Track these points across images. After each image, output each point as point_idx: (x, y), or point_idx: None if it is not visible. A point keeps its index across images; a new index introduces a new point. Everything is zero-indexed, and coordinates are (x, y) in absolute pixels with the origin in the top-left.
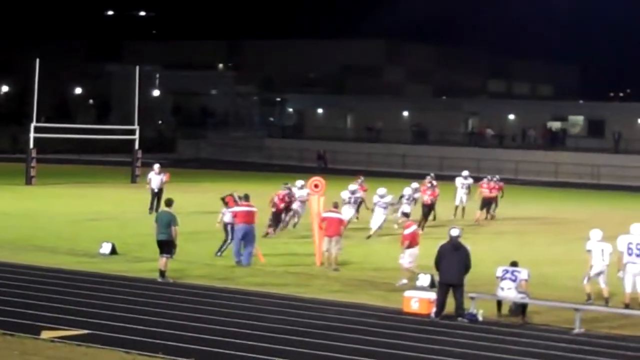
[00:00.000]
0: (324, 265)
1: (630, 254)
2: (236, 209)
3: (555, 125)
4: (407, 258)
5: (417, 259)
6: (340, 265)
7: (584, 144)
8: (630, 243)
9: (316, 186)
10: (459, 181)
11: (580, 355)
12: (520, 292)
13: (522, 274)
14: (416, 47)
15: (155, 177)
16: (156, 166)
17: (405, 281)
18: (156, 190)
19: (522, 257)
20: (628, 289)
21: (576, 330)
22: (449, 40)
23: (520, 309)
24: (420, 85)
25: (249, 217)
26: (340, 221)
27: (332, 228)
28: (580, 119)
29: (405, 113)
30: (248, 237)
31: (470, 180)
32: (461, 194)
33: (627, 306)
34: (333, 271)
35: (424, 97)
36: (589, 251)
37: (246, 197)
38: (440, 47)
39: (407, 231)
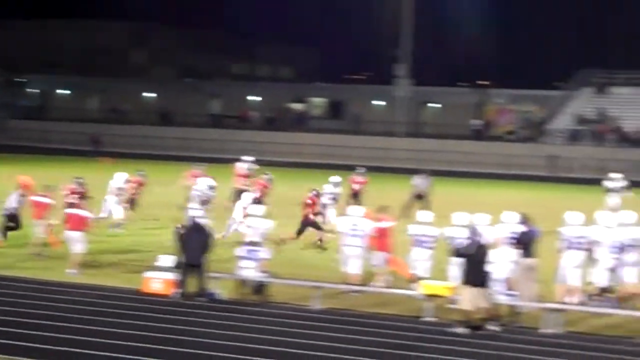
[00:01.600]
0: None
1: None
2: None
3: (297, 106)
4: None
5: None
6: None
7: (325, 125)
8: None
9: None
10: (239, 166)
11: (320, 332)
12: (261, 271)
13: (263, 253)
14: (159, 30)
15: None
16: None
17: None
18: None
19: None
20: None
21: (317, 307)
22: (192, 23)
23: (261, 287)
24: (165, 68)
25: None
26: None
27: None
28: (320, 100)
29: (150, 95)
30: None
31: (256, 166)
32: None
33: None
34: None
35: (168, 80)
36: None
37: None
38: (183, 30)
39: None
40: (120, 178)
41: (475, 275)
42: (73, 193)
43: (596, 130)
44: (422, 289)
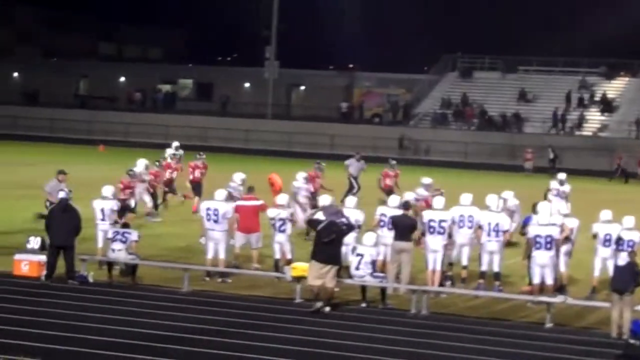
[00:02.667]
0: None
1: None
2: None
3: (166, 88)
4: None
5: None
6: None
7: (193, 106)
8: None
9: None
10: (169, 152)
11: (189, 314)
12: (130, 254)
13: (132, 235)
14: (24, 9)
15: None
16: None
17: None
18: None
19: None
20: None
21: (185, 289)
22: (58, 3)
23: (130, 269)
24: (30, 48)
25: None
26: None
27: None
28: (189, 82)
29: (15, 74)
30: None
31: (182, 152)
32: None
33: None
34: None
35: (34, 59)
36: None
37: None
38: (49, 10)
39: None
40: None
41: (330, 254)
42: None
43: (460, 114)
44: (291, 271)
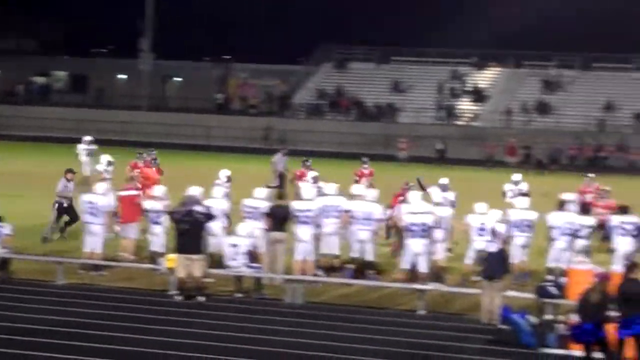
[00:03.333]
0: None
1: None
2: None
3: (40, 80)
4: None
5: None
6: None
7: (68, 99)
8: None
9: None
10: (81, 147)
11: (64, 307)
12: (4, 247)
13: (6, 229)
14: None
15: None
16: None
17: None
18: None
19: (11, 212)
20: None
21: (60, 282)
22: None
23: (3, 263)
24: None
25: None
26: None
27: None
28: (63, 74)
29: None
30: None
31: (94, 146)
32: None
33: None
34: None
35: None
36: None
37: None
38: None
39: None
40: None
41: (189, 243)
42: None
43: (335, 104)
44: (166, 262)
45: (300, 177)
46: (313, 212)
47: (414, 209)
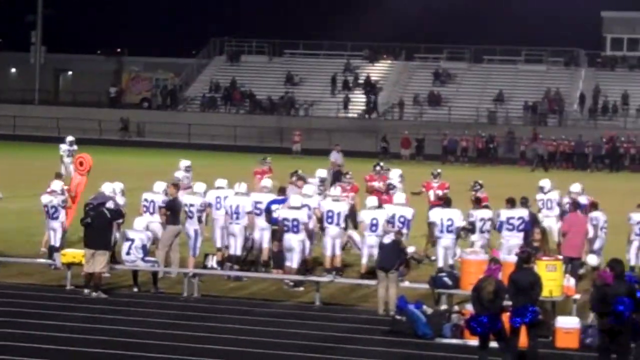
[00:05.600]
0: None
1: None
2: None
3: None
4: None
5: None
6: None
7: None
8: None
9: (81, 164)
10: (63, 148)
11: None
12: None
13: None
14: None
15: None
16: None
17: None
18: None
19: None
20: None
21: None
22: None
23: None
24: None
25: None
26: None
27: None
28: None
29: None
30: None
31: (75, 147)
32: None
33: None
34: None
35: None
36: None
37: None
38: None
39: None
40: None
41: (92, 238)
42: None
43: (229, 97)
44: (61, 257)
45: (263, 174)
46: (196, 207)
47: (292, 203)
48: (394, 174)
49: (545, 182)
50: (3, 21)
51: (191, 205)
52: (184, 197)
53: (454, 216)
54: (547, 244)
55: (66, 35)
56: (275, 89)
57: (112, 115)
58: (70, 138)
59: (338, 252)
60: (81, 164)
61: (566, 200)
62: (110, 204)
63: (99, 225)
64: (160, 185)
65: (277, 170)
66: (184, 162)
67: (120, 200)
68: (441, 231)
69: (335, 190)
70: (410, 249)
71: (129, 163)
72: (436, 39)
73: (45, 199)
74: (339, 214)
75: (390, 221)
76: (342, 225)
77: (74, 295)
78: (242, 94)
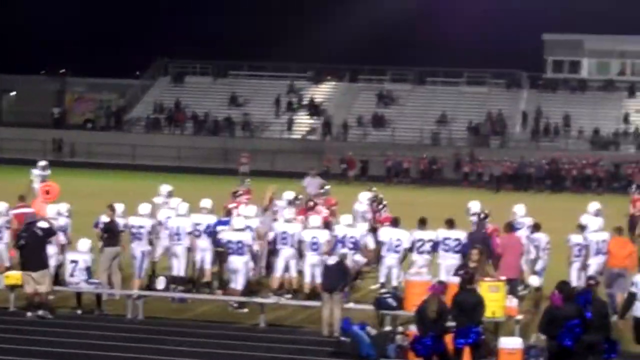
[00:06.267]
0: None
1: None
2: None
3: None
4: None
5: None
6: None
7: None
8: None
9: (47, 192)
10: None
11: None
12: None
13: None
14: None
15: None
16: None
17: None
18: None
19: None
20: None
21: None
22: None
23: None
24: None
25: None
26: None
27: None
28: None
29: None
30: None
31: (49, 171)
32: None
33: None
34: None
35: None
36: None
37: None
38: None
39: None
40: None
41: (29, 259)
42: None
43: (173, 118)
44: (4, 279)
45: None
46: (145, 229)
47: (236, 225)
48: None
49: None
50: None
51: (140, 227)
52: (130, 219)
53: (402, 237)
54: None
55: (9, 55)
56: (220, 110)
57: (55, 136)
58: (42, 163)
59: (294, 274)
60: (47, 192)
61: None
62: (41, 223)
63: (33, 245)
64: (145, 208)
65: (223, 192)
66: (165, 187)
67: (64, 221)
68: (388, 250)
69: (290, 212)
70: (358, 258)
71: (73, 184)
72: (380, 60)
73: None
74: (292, 236)
75: (340, 241)
76: (296, 246)
77: (17, 317)
78: (185, 115)
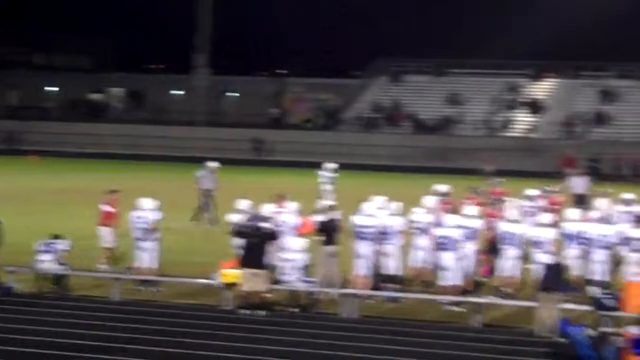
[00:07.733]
0: None
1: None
2: None
3: (96, 97)
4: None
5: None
6: None
7: (125, 115)
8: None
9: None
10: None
11: (120, 323)
12: (61, 264)
13: (62, 245)
14: None
15: None
16: None
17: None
18: None
19: (65, 229)
20: None
21: (116, 299)
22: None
23: (60, 279)
24: None
25: None
26: None
27: None
28: (119, 90)
29: None
30: None
31: (336, 174)
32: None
33: None
34: None
35: None
36: None
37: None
38: None
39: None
40: None
41: (253, 258)
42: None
43: (391, 118)
44: (221, 277)
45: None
46: (374, 229)
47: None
48: None
49: None
50: (167, 44)
51: (366, 227)
52: (355, 219)
53: (609, 232)
54: None
55: (230, 58)
56: (439, 108)
57: (275, 136)
58: (331, 165)
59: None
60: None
61: None
62: (265, 224)
63: (254, 244)
64: (371, 206)
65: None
66: (441, 187)
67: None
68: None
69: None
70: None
71: (282, 182)
72: (602, 56)
73: (233, 218)
74: (516, 235)
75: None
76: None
77: (232, 315)
78: (404, 115)
